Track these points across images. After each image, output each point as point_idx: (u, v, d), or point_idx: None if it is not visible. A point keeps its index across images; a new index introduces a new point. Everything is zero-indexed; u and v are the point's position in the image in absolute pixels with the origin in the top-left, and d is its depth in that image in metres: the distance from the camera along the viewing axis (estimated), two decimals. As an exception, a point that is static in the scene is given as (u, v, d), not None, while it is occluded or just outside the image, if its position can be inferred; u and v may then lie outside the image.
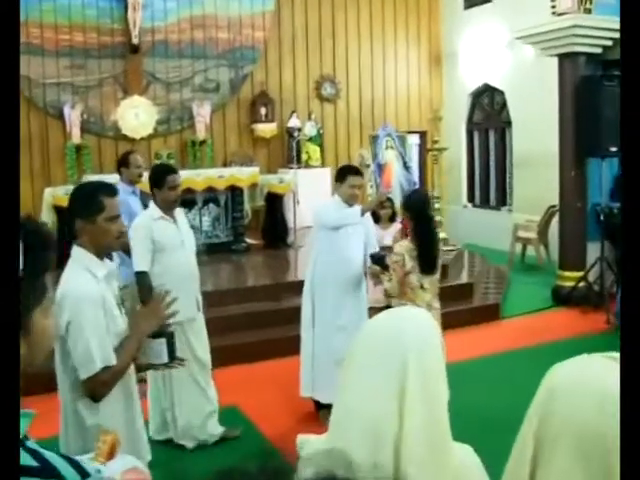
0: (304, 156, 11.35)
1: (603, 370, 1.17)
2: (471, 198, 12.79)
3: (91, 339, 2.53)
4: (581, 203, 8.03)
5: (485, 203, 12.47)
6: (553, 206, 9.23)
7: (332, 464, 1.01)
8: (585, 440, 1.12)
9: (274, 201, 9.70)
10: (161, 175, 4.51)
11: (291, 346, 5.31)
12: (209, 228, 9.19)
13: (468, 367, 6.02)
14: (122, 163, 5.78)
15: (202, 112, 10.86)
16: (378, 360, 1.36)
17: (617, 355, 1.18)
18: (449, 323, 6.89)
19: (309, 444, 1.47)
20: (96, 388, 2.57)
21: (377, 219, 5.82)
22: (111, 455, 2.13)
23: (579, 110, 7.77)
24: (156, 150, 10.74)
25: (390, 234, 6.00)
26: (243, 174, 9.41)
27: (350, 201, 4.86)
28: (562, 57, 7.94)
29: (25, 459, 1.18)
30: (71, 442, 2.66)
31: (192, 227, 5.18)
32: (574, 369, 1.21)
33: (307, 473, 0.98)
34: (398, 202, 6.55)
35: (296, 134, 11.37)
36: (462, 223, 11.88)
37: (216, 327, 4.85)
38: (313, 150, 11.42)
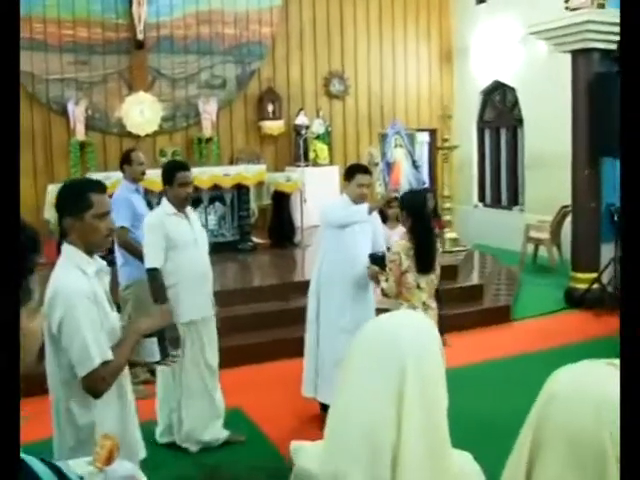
0: (312, 154, 11.24)
1: (603, 377, 1.16)
2: (482, 198, 12.66)
3: (87, 335, 2.51)
4: (595, 203, 7.93)
5: (496, 203, 12.33)
6: (566, 206, 9.11)
7: None
8: (580, 446, 1.11)
9: (281, 200, 9.61)
10: (171, 172, 4.51)
11: (298, 347, 5.27)
12: (215, 227, 9.12)
13: (477, 370, 5.98)
14: (124, 161, 5.73)
15: (208, 109, 10.77)
16: (376, 364, 1.34)
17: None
18: (459, 325, 6.90)
19: (304, 452, 1.45)
20: (96, 384, 2.56)
21: (385, 219, 5.76)
22: (109, 460, 2.21)
23: (593, 108, 7.64)
24: (161, 147, 10.66)
25: (397, 234, 5.88)
26: (250, 172, 9.33)
27: (358, 200, 4.83)
28: (575, 53, 7.83)
29: None
30: (64, 441, 2.65)
31: (199, 226, 5.11)
32: (574, 375, 1.20)
33: None
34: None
35: (304, 132, 11.27)
36: (473, 223, 11.77)
37: (222, 327, 4.85)
38: (321, 148, 11.29)
